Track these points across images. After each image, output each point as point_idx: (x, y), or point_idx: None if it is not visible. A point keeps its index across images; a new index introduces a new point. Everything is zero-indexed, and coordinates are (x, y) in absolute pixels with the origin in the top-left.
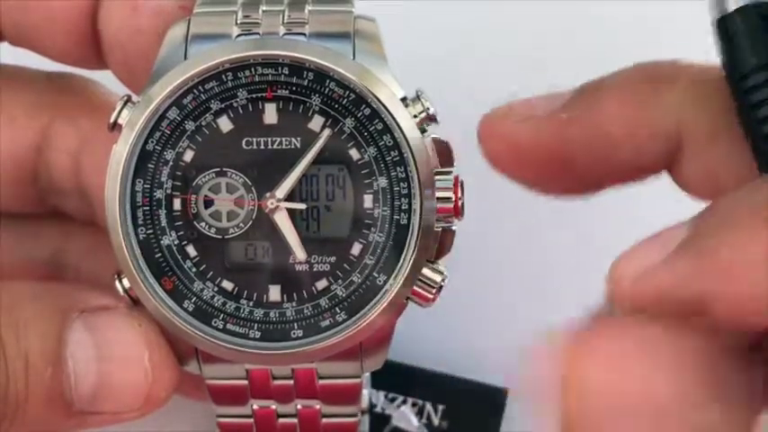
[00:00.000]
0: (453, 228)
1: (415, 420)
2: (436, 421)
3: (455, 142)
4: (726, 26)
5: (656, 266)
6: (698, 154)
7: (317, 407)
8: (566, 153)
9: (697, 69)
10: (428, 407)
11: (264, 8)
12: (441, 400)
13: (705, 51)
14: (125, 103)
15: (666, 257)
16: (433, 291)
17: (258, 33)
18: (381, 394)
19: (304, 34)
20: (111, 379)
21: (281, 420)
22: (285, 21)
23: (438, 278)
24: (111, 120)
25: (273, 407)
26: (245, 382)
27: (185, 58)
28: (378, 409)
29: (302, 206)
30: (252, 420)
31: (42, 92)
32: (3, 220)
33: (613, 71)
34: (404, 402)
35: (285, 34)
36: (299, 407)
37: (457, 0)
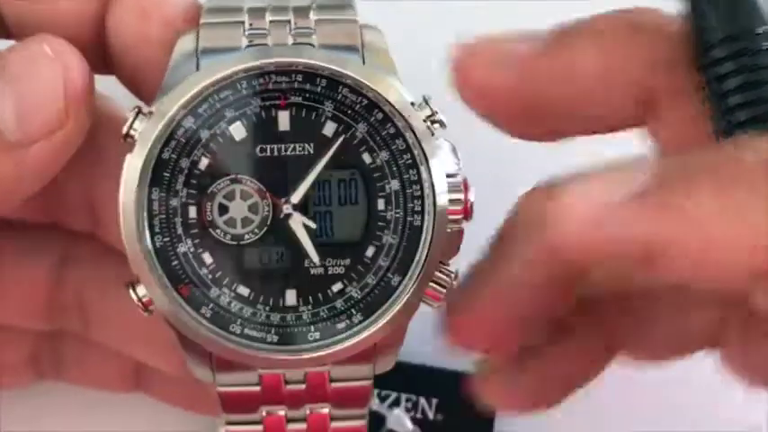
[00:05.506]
0: (462, 228)
1: (409, 424)
2: (431, 415)
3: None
4: None
5: (613, 210)
6: (671, 110)
7: (326, 411)
8: (539, 100)
9: (678, 24)
10: (422, 401)
11: (271, 18)
12: (433, 393)
13: None
14: (137, 115)
15: (626, 202)
16: (445, 291)
17: (267, 44)
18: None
19: (312, 45)
20: (27, 97)
21: (291, 426)
22: (292, 31)
23: (448, 278)
24: (124, 131)
25: (282, 413)
26: (258, 388)
27: (197, 69)
28: (372, 408)
29: (312, 225)
30: (261, 428)
31: None
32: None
33: (590, 16)
34: (396, 402)
35: (294, 44)
36: (307, 411)
37: (459, 3)
